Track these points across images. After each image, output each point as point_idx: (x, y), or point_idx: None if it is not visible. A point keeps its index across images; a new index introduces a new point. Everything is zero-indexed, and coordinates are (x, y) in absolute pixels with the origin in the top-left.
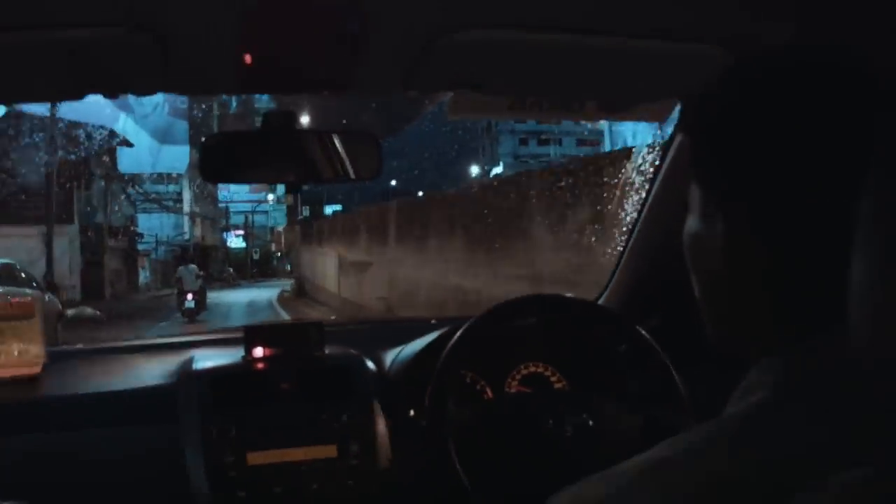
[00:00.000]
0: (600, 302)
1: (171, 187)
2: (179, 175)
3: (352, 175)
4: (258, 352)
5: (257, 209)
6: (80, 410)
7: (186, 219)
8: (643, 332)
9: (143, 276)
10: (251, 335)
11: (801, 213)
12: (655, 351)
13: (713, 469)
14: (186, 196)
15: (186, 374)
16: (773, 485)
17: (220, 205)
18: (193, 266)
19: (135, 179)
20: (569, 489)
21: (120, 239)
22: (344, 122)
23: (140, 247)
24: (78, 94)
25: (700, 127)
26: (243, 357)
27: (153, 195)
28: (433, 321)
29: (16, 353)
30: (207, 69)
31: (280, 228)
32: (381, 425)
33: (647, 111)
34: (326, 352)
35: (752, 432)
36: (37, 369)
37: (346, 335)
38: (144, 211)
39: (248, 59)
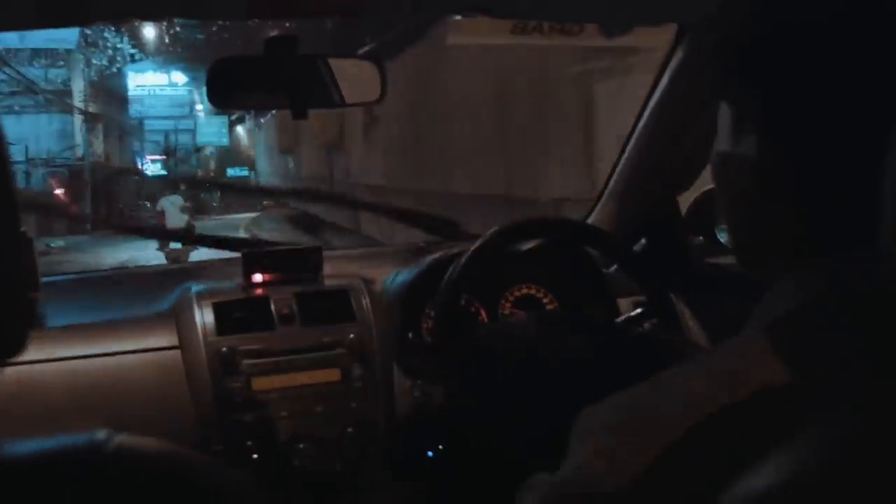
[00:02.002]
0: (588, 221)
1: (54, 73)
2: (68, 52)
3: (358, 98)
4: (257, 278)
5: (180, 128)
6: (82, 338)
7: (78, 122)
8: (634, 252)
9: None
10: (249, 261)
11: (839, 130)
12: (647, 271)
13: (744, 379)
14: (79, 87)
15: (187, 300)
16: (793, 405)
17: (131, 120)
18: (178, 197)
19: None
20: (597, 404)
21: None
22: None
23: None
24: (82, 20)
25: (736, 43)
26: (242, 283)
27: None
28: (422, 244)
29: None
30: None
31: (208, 151)
32: (383, 348)
33: (646, 35)
34: (324, 277)
35: (779, 344)
36: (35, 294)
37: (342, 260)
38: (10, 111)
39: None
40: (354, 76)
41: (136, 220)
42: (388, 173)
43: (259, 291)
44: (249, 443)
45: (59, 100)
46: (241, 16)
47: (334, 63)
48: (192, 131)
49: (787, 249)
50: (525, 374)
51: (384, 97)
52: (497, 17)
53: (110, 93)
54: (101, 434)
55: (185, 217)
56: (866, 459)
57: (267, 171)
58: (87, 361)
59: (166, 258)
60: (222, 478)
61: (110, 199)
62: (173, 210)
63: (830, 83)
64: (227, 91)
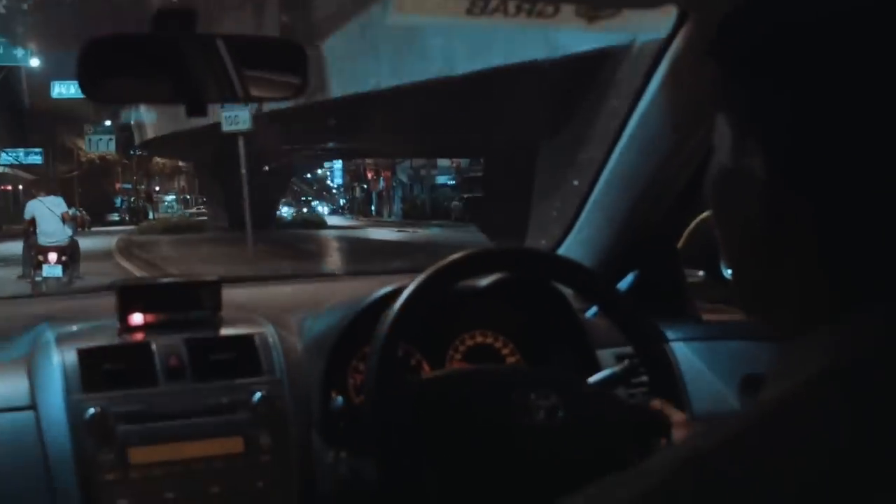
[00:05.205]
0: (560, 252)
1: None
2: None
3: (273, 92)
4: (137, 318)
5: None
6: None
7: None
8: (618, 291)
9: None
10: (126, 296)
11: (866, 151)
12: (636, 315)
13: (757, 464)
14: None
15: (44, 345)
16: (818, 487)
17: None
18: (59, 199)
19: None
20: (577, 496)
21: None
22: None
23: None
24: None
25: (738, 47)
26: (118, 325)
27: None
28: (338, 273)
29: None
30: None
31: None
32: (299, 411)
33: (637, 19)
34: (224, 318)
35: (800, 421)
36: None
37: (246, 296)
38: None
39: None
40: (268, 62)
41: None
42: None
43: (139, 336)
44: None
45: None
46: None
47: (242, 45)
48: None
49: (806, 299)
50: (474, 447)
51: (306, 90)
52: None
53: None
54: None
55: (69, 229)
56: None
57: None
58: None
59: (32, 290)
60: None
61: None
62: (51, 218)
63: (859, 91)
64: (104, 79)
